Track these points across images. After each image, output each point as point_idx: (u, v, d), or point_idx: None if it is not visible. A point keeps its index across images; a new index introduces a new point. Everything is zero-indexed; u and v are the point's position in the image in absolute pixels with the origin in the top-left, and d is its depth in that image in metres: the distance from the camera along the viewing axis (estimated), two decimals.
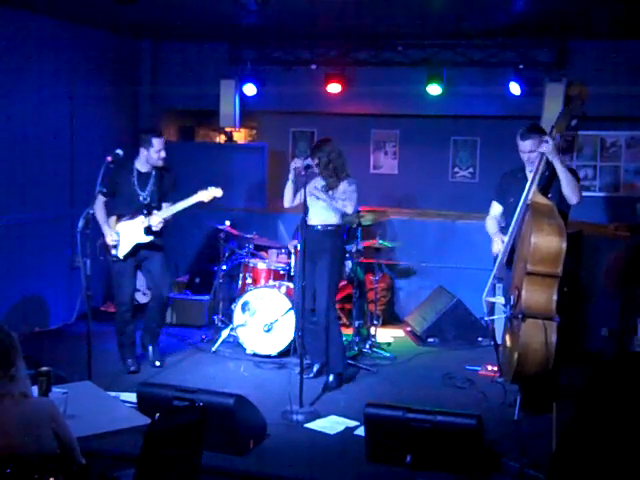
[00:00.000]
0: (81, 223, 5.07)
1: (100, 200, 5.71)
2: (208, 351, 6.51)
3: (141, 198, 5.74)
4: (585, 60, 7.20)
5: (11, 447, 2.65)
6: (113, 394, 4.59)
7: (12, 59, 6.55)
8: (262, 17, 6.48)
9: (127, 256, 5.78)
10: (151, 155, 5.72)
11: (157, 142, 5.71)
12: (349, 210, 5.56)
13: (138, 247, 5.79)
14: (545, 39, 7.22)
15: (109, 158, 5.30)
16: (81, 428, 3.08)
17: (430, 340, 6.97)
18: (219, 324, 6.85)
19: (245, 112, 8.16)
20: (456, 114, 7.96)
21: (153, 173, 5.80)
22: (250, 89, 7.92)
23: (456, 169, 8.56)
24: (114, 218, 5.78)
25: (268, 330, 6.31)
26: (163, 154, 5.74)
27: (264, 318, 6.34)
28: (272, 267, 6.86)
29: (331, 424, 4.96)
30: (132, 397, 4.72)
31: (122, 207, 5.78)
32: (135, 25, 7.56)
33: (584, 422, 1.74)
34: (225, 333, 6.60)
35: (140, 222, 5.71)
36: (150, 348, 6.07)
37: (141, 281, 7.61)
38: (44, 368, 3.45)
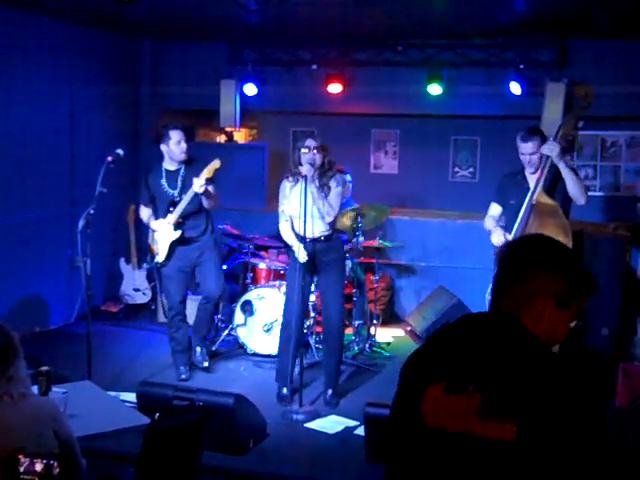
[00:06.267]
0: (81, 223, 5.08)
1: (144, 210, 5.78)
2: (208, 351, 6.50)
3: (174, 196, 5.61)
4: (585, 60, 7.19)
5: (10, 447, 2.65)
6: (113, 394, 4.60)
7: (12, 59, 6.55)
8: (262, 17, 6.48)
9: (168, 259, 5.68)
10: (171, 149, 5.58)
11: (175, 134, 5.57)
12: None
13: (178, 247, 5.65)
14: (545, 39, 7.21)
15: (110, 158, 5.29)
16: (81, 428, 3.08)
17: None
18: (219, 324, 6.85)
19: (245, 112, 8.16)
20: (456, 114, 7.96)
21: (182, 169, 5.65)
22: (250, 89, 7.92)
23: (456, 169, 8.56)
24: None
25: (268, 330, 6.31)
26: (184, 145, 5.59)
27: (264, 318, 6.34)
28: (272, 267, 6.87)
29: (331, 424, 4.96)
30: (132, 397, 4.73)
31: (161, 211, 5.69)
32: (135, 25, 7.56)
33: None
34: (225, 333, 6.60)
35: (170, 219, 5.60)
36: (197, 349, 5.98)
37: (140, 280, 7.67)
38: (44, 368, 3.46)
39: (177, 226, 5.60)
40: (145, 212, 5.80)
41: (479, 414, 1.65)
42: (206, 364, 5.95)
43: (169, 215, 5.59)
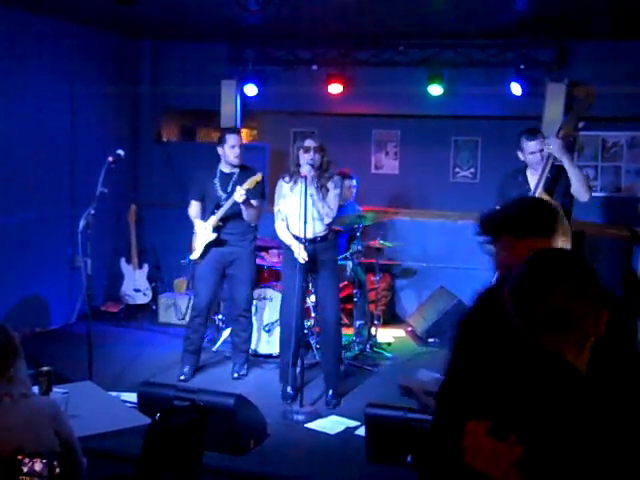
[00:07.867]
0: (82, 223, 5.08)
1: (194, 205, 5.79)
2: (209, 351, 6.50)
3: (221, 198, 5.65)
4: (585, 60, 7.19)
5: (11, 447, 2.65)
6: (114, 394, 4.59)
7: (12, 59, 6.55)
8: (263, 17, 6.48)
9: (202, 258, 5.73)
10: (226, 152, 5.64)
11: (231, 138, 5.63)
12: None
13: (213, 248, 5.70)
14: (545, 39, 7.21)
15: (110, 158, 5.30)
16: (82, 428, 3.07)
17: (431, 340, 6.96)
18: (220, 324, 6.85)
19: (246, 112, 8.16)
20: (457, 114, 7.96)
21: (235, 174, 5.70)
22: (251, 89, 7.92)
23: (457, 169, 8.56)
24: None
25: (269, 330, 6.31)
26: (238, 151, 5.63)
27: (265, 318, 6.34)
28: (273, 267, 6.86)
29: (331, 424, 4.96)
30: (132, 397, 4.73)
31: (207, 210, 5.76)
32: (135, 25, 7.56)
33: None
34: (226, 333, 6.60)
35: (210, 221, 5.66)
36: (232, 360, 5.99)
37: (141, 280, 7.67)
38: (45, 368, 3.46)
39: (216, 229, 5.65)
40: (193, 208, 5.81)
41: (518, 468, 1.55)
42: (236, 375, 5.87)
43: (212, 217, 5.64)
